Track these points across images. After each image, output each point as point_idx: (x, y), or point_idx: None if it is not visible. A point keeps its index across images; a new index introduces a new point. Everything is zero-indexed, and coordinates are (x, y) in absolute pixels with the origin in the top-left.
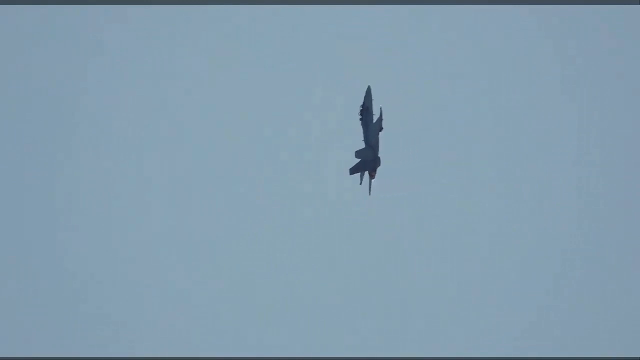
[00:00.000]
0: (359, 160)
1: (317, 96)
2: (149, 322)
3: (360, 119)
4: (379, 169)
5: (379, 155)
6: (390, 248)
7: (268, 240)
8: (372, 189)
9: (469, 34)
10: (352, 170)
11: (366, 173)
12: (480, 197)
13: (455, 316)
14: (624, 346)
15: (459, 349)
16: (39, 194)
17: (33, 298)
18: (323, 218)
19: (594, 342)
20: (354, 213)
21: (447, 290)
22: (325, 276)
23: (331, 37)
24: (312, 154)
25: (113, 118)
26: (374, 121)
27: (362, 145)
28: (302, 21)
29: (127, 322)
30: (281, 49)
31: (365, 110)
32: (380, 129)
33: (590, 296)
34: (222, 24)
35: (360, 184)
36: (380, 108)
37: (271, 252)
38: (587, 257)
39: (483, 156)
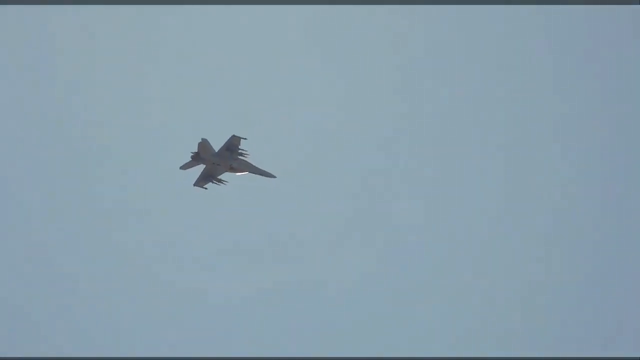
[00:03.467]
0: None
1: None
2: (158, 321)
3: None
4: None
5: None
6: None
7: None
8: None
9: (469, 34)
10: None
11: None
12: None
13: (453, 316)
14: (624, 346)
15: (458, 348)
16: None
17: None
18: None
19: (594, 342)
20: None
21: (446, 290)
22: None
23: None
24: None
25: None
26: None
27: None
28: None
29: (127, 321)
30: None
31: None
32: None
33: (590, 296)
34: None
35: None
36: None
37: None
38: (586, 256)
39: (487, 156)
